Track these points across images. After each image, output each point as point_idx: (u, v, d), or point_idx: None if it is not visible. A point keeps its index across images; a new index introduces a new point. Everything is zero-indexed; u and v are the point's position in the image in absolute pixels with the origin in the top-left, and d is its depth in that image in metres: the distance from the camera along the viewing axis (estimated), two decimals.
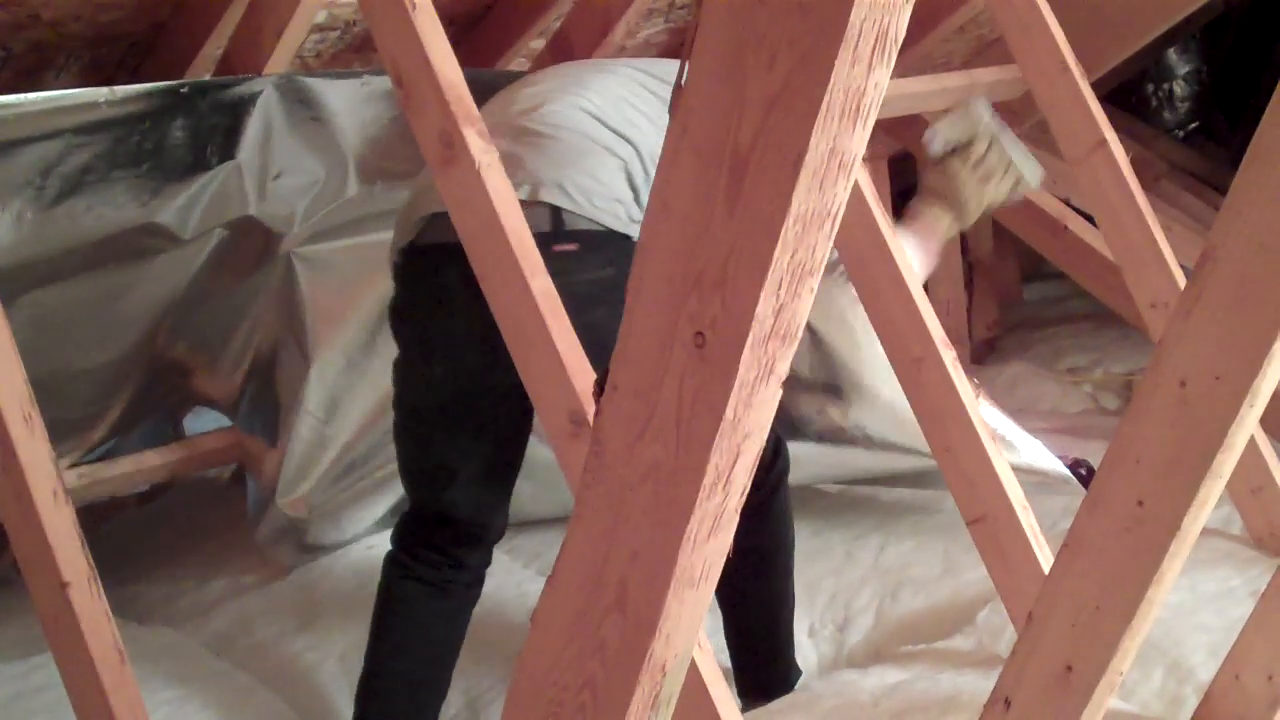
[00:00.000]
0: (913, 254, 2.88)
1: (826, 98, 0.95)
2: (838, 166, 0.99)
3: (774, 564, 2.86)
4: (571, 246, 2.50)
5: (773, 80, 0.97)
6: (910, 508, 3.68)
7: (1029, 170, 3.06)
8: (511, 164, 2.48)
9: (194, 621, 3.35)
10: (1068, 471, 3.32)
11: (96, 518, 3.98)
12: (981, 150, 3.01)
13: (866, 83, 0.96)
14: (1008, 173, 3.02)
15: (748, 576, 2.77)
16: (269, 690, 2.94)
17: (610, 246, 2.53)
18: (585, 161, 2.55)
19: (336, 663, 3.07)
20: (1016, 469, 2.93)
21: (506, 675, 2.88)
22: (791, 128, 0.97)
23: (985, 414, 3.04)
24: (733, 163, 1.01)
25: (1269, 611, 2.17)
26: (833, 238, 1.03)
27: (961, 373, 2.69)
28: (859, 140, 0.99)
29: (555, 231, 2.49)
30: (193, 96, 2.83)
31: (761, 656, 2.89)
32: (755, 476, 2.81)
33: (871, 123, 0.99)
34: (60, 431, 3.30)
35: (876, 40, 0.94)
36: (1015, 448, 3.22)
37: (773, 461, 2.81)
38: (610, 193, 2.54)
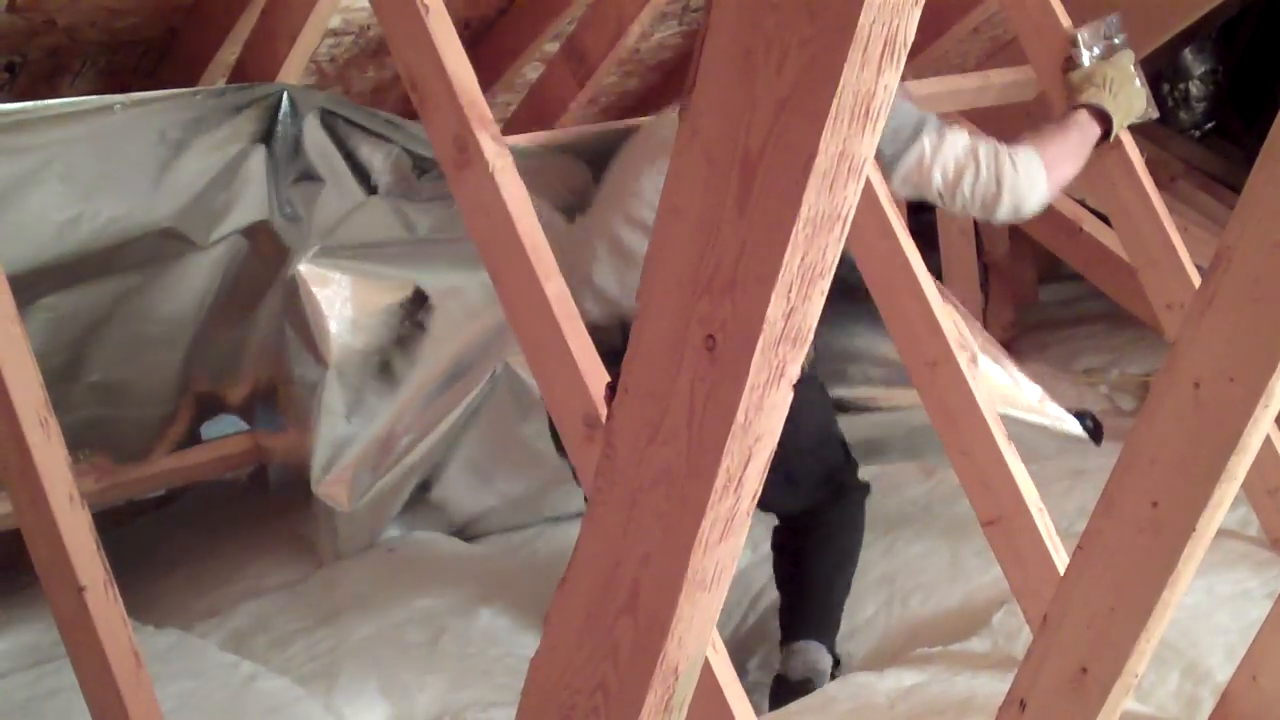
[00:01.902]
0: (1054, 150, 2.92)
1: (836, 100, 0.95)
2: (848, 169, 0.99)
3: (839, 539, 3.06)
4: None
5: (783, 83, 0.97)
6: (923, 508, 3.68)
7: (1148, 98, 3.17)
8: None
9: (210, 621, 3.36)
10: (1075, 423, 3.32)
11: (114, 521, 3.99)
12: (1125, 60, 3.11)
13: (876, 85, 0.96)
14: (1141, 85, 3.12)
15: (814, 541, 3.02)
16: (274, 675, 2.95)
17: None
18: None
19: (353, 652, 3.08)
20: (1025, 423, 2.96)
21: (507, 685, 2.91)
22: (801, 130, 0.97)
23: (989, 369, 3.09)
24: (743, 165, 1.01)
25: None
26: (843, 240, 1.03)
27: (975, 375, 2.69)
28: (869, 143, 0.99)
29: None
30: (209, 103, 2.85)
31: (817, 599, 3.03)
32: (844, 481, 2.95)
33: (881, 125, 0.99)
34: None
35: (886, 43, 0.94)
36: (1020, 389, 3.26)
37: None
38: None
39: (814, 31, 0.94)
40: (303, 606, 3.37)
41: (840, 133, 0.97)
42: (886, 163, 2.75)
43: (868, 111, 0.97)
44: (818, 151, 0.96)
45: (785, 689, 2.86)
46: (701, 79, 1.01)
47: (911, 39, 0.96)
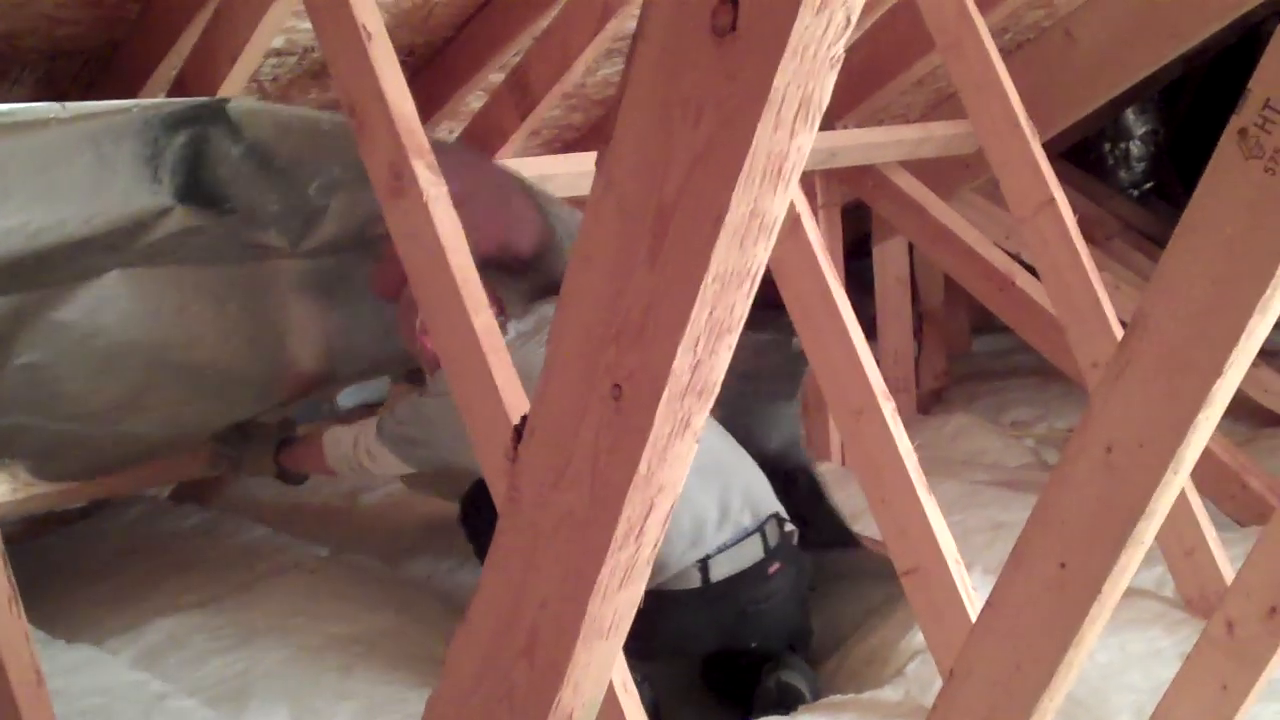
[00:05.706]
0: None
1: (749, 160, 0.95)
2: (758, 227, 1.00)
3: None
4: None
5: (698, 139, 0.98)
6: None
7: None
8: None
9: (123, 637, 3.31)
10: None
11: (31, 533, 3.95)
12: None
13: (789, 146, 0.97)
14: None
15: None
16: (184, 695, 2.92)
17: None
18: None
19: (266, 676, 3.05)
20: None
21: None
22: (714, 187, 0.97)
23: None
24: (656, 218, 1.01)
25: (1192, 673, 2.18)
26: (751, 297, 1.04)
27: (900, 425, 2.71)
28: (780, 202, 0.99)
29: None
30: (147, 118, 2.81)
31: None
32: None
33: (794, 185, 0.99)
34: None
35: (800, 105, 0.95)
36: None
37: None
38: None
39: (730, 91, 0.95)
40: (218, 626, 3.33)
41: (752, 191, 0.97)
42: None
43: (780, 172, 0.97)
44: (729, 209, 0.97)
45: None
46: (618, 131, 1.02)
47: (826, 102, 0.97)
